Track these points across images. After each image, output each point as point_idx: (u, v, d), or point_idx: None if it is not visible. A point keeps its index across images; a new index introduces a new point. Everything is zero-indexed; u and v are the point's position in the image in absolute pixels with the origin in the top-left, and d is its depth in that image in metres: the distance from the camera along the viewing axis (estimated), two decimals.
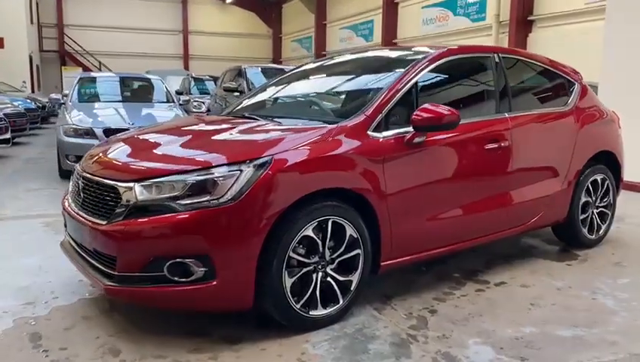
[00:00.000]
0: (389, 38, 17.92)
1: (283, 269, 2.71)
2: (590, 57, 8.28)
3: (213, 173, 2.61)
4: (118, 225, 2.63)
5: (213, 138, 3.09)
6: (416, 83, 3.31)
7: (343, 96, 3.66)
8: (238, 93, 9.47)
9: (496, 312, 3.19)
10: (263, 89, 4.27)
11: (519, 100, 3.94)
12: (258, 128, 3.15)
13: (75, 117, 7.55)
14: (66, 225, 3.37)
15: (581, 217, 4.33)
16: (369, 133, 3.04)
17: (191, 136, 3.18)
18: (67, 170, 7.30)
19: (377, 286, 3.43)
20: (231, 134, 3.11)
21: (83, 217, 2.91)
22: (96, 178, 2.88)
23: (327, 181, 2.84)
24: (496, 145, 3.57)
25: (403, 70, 3.37)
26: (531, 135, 3.86)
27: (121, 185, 2.69)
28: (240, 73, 10.29)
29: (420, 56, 3.51)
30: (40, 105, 15.95)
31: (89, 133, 7.19)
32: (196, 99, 12.67)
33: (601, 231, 4.54)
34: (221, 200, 2.57)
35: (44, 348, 2.68)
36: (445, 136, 3.28)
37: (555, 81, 4.30)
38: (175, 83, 14.97)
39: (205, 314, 2.99)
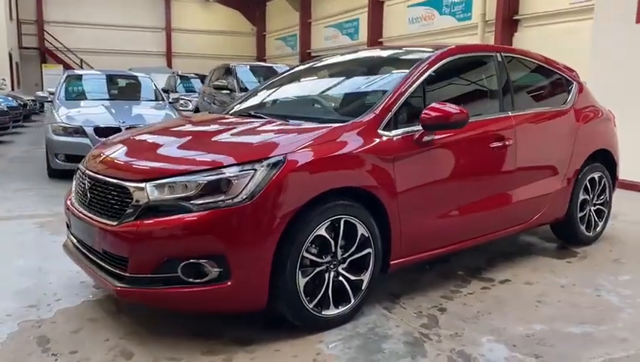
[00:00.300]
0: (375, 37, 17.95)
1: (297, 269, 2.69)
2: (575, 57, 8.34)
3: (227, 173, 2.58)
4: (130, 226, 2.58)
5: (223, 137, 3.05)
6: (423, 82, 3.31)
7: (350, 95, 3.65)
8: (228, 91, 9.42)
9: (504, 310, 3.20)
10: (265, 87, 4.23)
11: (521, 99, 3.97)
12: (268, 127, 3.12)
13: (64, 115, 7.43)
14: (68, 226, 3.30)
15: (579, 215, 4.38)
16: (379, 131, 3.03)
17: (200, 135, 3.14)
18: (57, 169, 7.20)
19: (384, 285, 3.42)
20: (241, 133, 3.07)
21: (90, 218, 2.85)
22: (105, 178, 2.82)
23: (340, 180, 2.82)
24: (501, 144, 3.59)
25: (409, 69, 3.37)
26: (534, 133, 3.90)
27: (132, 185, 2.64)
28: (229, 71, 10.22)
29: (425, 55, 3.51)
30: (22, 102, 15.66)
31: (79, 131, 7.08)
32: (183, 97, 12.55)
33: (598, 229, 4.60)
34: (236, 199, 2.54)
35: (53, 351, 2.62)
36: (453, 134, 3.28)
37: (554, 80, 4.34)
38: (160, 81, 14.77)
39: (213, 315, 2.95)
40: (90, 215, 2.87)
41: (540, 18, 12.27)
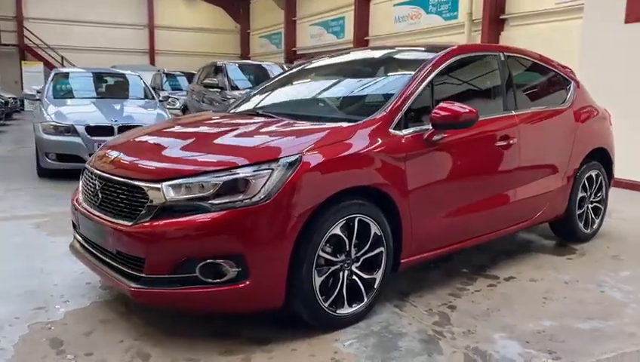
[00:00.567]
0: (361, 36, 17.96)
1: (313, 268, 2.69)
2: (563, 56, 8.41)
3: (244, 172, 2.57)
4: (147, 226, 2.56)
5: (236, 136, 3.03)
6: (431, 81, 3.34)
7: (358, 94, 3.65)
8: (219, 89, 9.36)
9: (513, 307, 3.24)
10: (269, 86, 4.22)
11: (523, 98, 4.02)
12: (279, 126, 3.11)
13: (54, 114, 7.31)
14: (76, 226, 3.27)
15: (578, 212, 4.45)
16: (390, 130, 3.05)
17: (212, 133, 3.12)
18: (47, 169, 7.10)
19: (392, 283, 3.43)
20: (254, 132, 3.06)
21: (102, 218, 2.82)
22: (119, 178, 2.79)
23: (355, 179, 2.83)
24: (506, 143, 3.64)
25: (417, 68, 3.38)
26: (536, 132, 3.95)
27: (148, 186, 2.62)
28: (219, 69, 10.16)
29: (431, 54, 3.53)
30: (3, 100, 15.38)
31: (70, 130, 6.99)
32: (172, 96, 12.45)
33: (595, 226, 4.68)
34: (254, 199, 2.53)
35: (68, 353, 2.59)
36: (461, 133, 3.31)
37: (554, 79, 4.41)
38: (144, 78, 14.65)
39: (225, 315, 2.94)
40: (101, 215, 2.84)
41: (527, 17, 12.39)
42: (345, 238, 2.82)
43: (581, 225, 4.51)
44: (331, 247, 2.80)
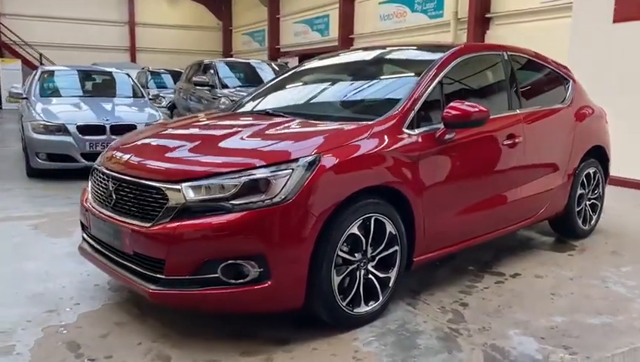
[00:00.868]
0: (346, 34, 17.96)
1: (332, 268, 2.70)
2: (549, 55, 8.60)
3: (265, 173, 2.56)
4: (167, 227, 2.54)
5: (253, 136, 3.01)
6: (440, 80, 3.36)
7: (368, 94, 3.65)
8: (209, 88, 9.29)
9: (523, 303, 3.29)
10: (274, 86, 4.21)
11: (526, 97, 4.07)
12: (294, 126, 3.11)
13: (44, 113, 7.18)
14: (85, 228, 3.22)
15: (577, 209, 4.53)
16: (404, 129, 3.07)
17: (228, 134, 3.08)
18: (36, 169, 6.98)
19: (403, 282, 3.45)
20: (269, 132, 3.04)
21: (117, 219, 2.79)
22: (135, 179, 2.75)
23: (373, 178, 2.85)
24: (513, 141, 3.68)
25: (427, 67, 3.41)
26: (539, 131, 4.00)
27: (167, 186, 2.60)
28: (208, 67, 10.09)
29: (439, 53, 3.56)
30: None
31: (61, 129, 6.88)
32: (159, 94, 12.32)
33: (592, 222, 4.76)
34: (275, 199, 2.53)
35: (87, 356, 2.56)
36: (471, 132, 3.34)
37: (554, 78, 4.47)
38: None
39: (241, 315, 2.94)
40: (116, 217, 2.81)
41: (512, 16, 12.52)
42: (362, 237, 2.83)
43: (580, 221, 4.59)
44: (348, 247, 2.81)
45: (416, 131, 3.12)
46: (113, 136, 6.95)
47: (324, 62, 4.33)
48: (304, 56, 21.02)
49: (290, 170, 2.58)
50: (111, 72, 9.36)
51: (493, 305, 3.25)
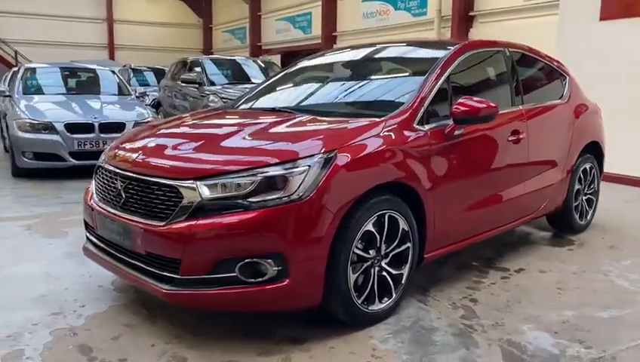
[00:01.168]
0: (329, 32, 17.92)
1: (348, 265, 2.68)
2: None
3: (282, 170, 2.53)
4: (183, 226, 2.48)
5: (266, 133, 2.96)
6: (448, 76, 3.36)
7: (377, 90, 3.63)
8: (196, 85, 9.19)
9: (531, 298, 3.31)
10: (277, 82, 4.16)
11: (528, 93, 4.09)
12: (306, 123, 3.07)
13: (29, 111, 7.03)
14: (91, 228, 3.14)
15: (574, 204, 4.58)
16: (415, 125, 3.05)
17: (238, 130, 3.02)
18: (23, 168, 6.82)
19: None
20: (283, 129, 2.99)
21: (127, 219, 2.72)
22: (147, 178, 2.69)
23: (387, 174, 2.83)
24: (518, 137, 3.70)
25: (434, 63, 3.40)
26: (541, 127, 4.03)
27: (183, 184, 2.54)
28: (194, 65, 9.99)
29: (444, 49, 3.56)
30: None
31: (48, 128, 6.74)
32: (146, 92, 12.15)
33: (588, 217, 4.82)
34: (292, 196, 2.49)
35: (101, 359, 2.49)
36: (478, 128, 3.35)
37: (552, 75, 4.51)
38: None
39: (254, 314, 2.90)
40: (126, 216, 2.74)
41: (495, 14, 12.63)
42: (376, 234, 2.81)
43: (577, 216, 4.64)
44: (362, 244, 2.78)
45: (426, 127, 3.11)
46: (102, 135, 6.86)
47: (327, 59, 4.29)
48: (286, 54, 20.99)
49: (307, 167, 2.54)
50: (95, 70, 9.19)
51: (503, 301, 3.26)
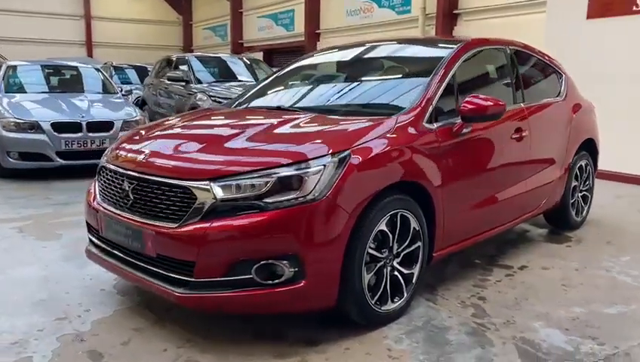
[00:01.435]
0: (312, 29, 17.86)
1: (363, 265, 2.65)
2: None
3: (297, 170, 2.48)
4: (197, 228, 2.43)
5: (277, 132, 2.90)
6: (454, 74, 3.35)
7: (383, 89, 3.60)
8: (183, 83, 9.07)
9: (538, 295, 3.32)
10: (279, 81, 4.10)
11: (528, 91, 4.11)
12: (317, 122, 3.03)
13: (13, 109, 6.85)
14: (93, 230, 3.06)
15: (571, 201, 4.62)
16: (424, 124, 3.04)
17: (248, 130, 2.96)
18: (8, 169, 6.66)
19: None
20: (293, 128, 2.95)
21: (136, 221, 2.65)
22: (157, 178, 2.61)
23: (399, 173, 2.80)
24: (521, 135, 3.72)
25: (439, 61, 3.39)
26: (541, 124, 4.05)
27: (196, 185, 2.48)
28: (180, 62, 9.87)
29: (448, 47, 3.55)
30: None
31: (34, 127, 6.57)
32: (132, 90, 11.98)
33: (584, 213, 4.87)
34: (308, 197, 2.46)
35: None
36: (485, 126, 3.35)
37: (550, 72, 4.54)
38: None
39: (263, 316, 2.86)
40: (135, 218, 2.67)
41: (480, 12, 12.71)
42: (389, 234, 2.79)
43: (573, 213, 4.68)
44: (375, 244, 2.76)
45: (435, 125, 3.09)
46: (90, 134, 6.73)
47: (329, 57, 4.25)
48: (269, 51, 20.89)
49: (322, 167, 2.51)
50: (77, 67, 9.00)
51: (511, 298, 3.26)
